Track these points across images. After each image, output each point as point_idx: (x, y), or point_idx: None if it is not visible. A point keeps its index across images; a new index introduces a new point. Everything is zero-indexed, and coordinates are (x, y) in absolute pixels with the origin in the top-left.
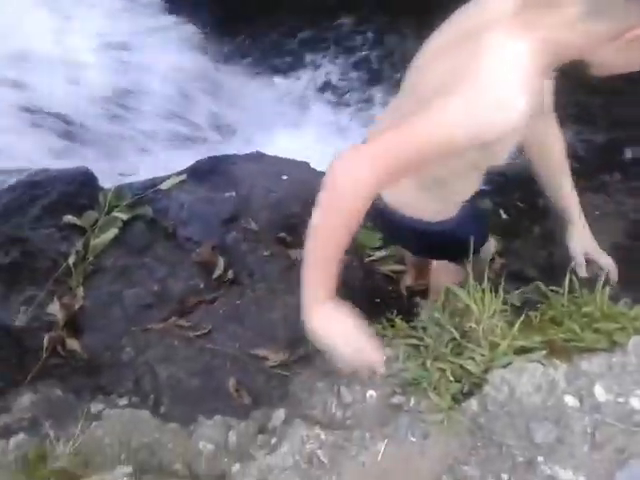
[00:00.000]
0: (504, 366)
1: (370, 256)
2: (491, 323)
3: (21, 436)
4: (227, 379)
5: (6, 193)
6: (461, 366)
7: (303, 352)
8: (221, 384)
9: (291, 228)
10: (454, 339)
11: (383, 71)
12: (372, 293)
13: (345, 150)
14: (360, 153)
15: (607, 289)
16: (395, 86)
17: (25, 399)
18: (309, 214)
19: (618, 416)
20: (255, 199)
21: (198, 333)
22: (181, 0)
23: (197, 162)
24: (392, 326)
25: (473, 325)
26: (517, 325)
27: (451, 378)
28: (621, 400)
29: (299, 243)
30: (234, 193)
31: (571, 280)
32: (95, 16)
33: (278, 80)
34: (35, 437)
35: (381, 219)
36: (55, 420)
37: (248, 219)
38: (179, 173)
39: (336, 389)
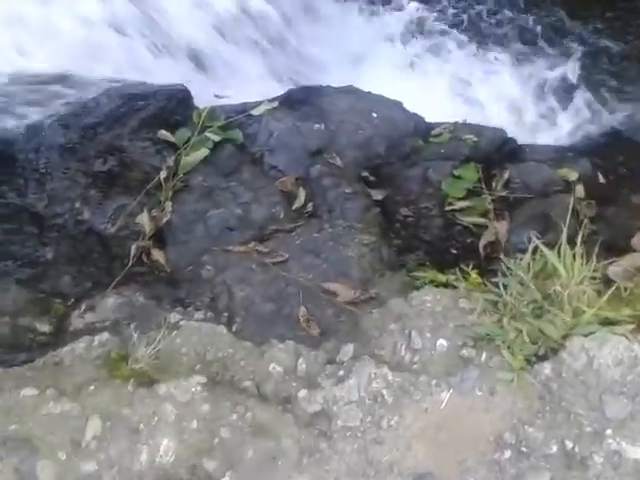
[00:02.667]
0: (586, 335)
1: (451, 205)
2: (578, 289)
3: (105, 335)
4: (298, 308)
5: (107, 102)
6: (540, 328)
7: (374, 293)
8: (292, 312)
9: (375, 168)
10: (536, 300)
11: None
12: (449, 243)
13: None
14: None
15: None
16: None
17: (110, 301)
18: (394, 156)
19: None
20: (343, 135)
21: (275, 260)
22: None
23: (290, 91)
24: (465, 279)
25: (558, 289)
26: (606, 295)
27: (527, 339)
28: None
29: (381, 184)
30: (323, 126)
31: None
32: None
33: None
34: (118, 337)
35: None
36: (136, 324)
37: (333, 154)
38: (271, 100)
39: (407, 332)
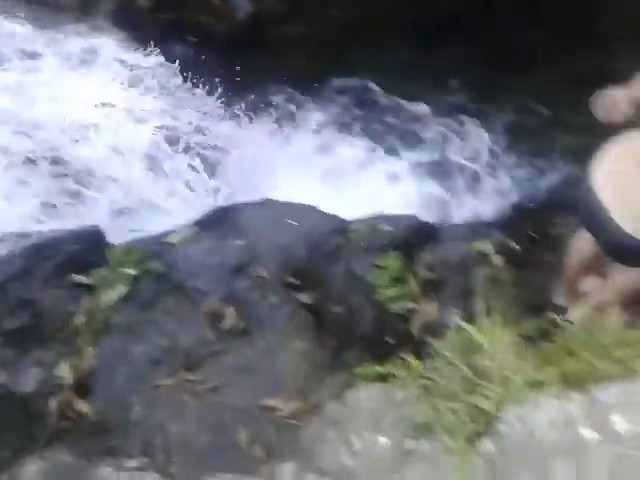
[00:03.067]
0: (518, 402)
1: (380, 295)
2: (503, 358)
3: None
4: (238, 433)
5: (17, 258)
6: (474, 405)
7: (315, 401)
8: (233, 439)
9: (299, 272)
10: (466, 377)
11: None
12: (384, 333)
13: None
14: None
15: (619, 316)
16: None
17: (33, 468)
18: (317, 257)
19: (638, 446)
20: (263, 246)
21: (208, 387)
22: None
23: (205, 214)
24: (405, 366)
25: (485, 361)
26: (530, 358)
27: (464, 418)
28: None
29: (307, 287)
30: (243, 241)
31: (581, 309)
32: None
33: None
34: None
35: None
36: None
37: (256, 267)
38: (187, 225)
39: (346, 437)
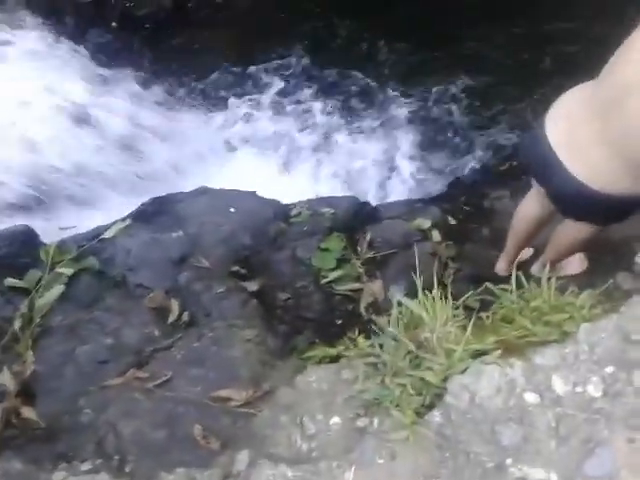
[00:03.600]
0: (462, 372)
1: (325, 277)
2: (445, 330)
3: None
4: (192, 426)
5: None
6: (420, 378)
7: (267, 387)
8: (187, 432)
9: (244, 260)
10: (411, 351)
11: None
12: (332, 315)
13: None
14: None
15: (553, 281)
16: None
17: None
18: (260, 244)
19: (578, 406)
20: (204, 236)
21: (158, 382)
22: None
23: (141, 205)
24: (355, 346)
25: (427, 334)
26: (469, 329)
27: (412, 392)
28: (579, 390)
29: (253, 274)
30: (182, 232)
31: (518, 277)
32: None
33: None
34: None
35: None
36: None
37: (199, 257)
38: (123, 219)
39: (299, 421)
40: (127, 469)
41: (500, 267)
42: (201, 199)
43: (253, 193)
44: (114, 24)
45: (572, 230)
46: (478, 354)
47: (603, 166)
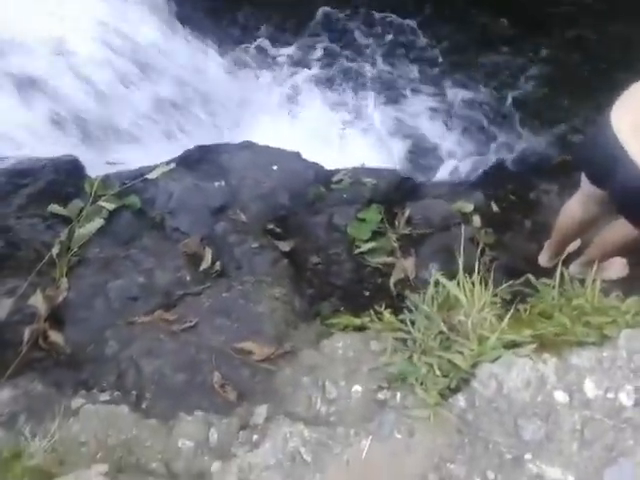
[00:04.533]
0: (493, 360)
1: (359, 248)
2: (480, 316)
3: None
4: (212, 374)
5: None
6: (449, 360)
7: (289, 347)
8: (206, 379)
9: (280, 220)
10: (442, 332)
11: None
12: (361, 285)
13: None
14: None
15: (598, 282)
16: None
17: (4, 394)
18: (298, 205)
19: (607, 412)
20: (244, 190)
21: (184, 326)
22: None
23: (186, 151)
24: (380, 319)
25: (462, 318)
26: (506, 319)
27: (438, 373)
28: (610, 396)
29: (287, 235)
30: (223, 183)
31: (562, 273)
32: None
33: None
34: (12, 433)
35: None
36: (34, 416)
37: (237, 210)
38: (168, 162)
39: (321, 383)
40: (144, 405)
41: (543, 258)
42: (245, 153)
43: (297, 154)
44: None
45: (622, 230)
46: (512, 345)
47: None
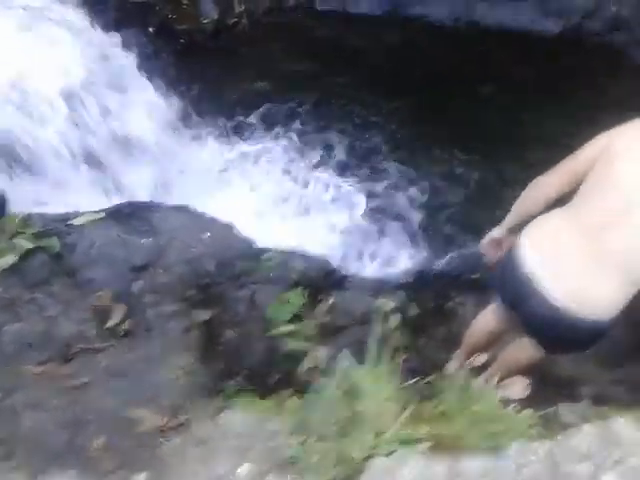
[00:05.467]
0: (387, 454)
1: (276, 329)
2: (381, 409)
3: None
4: (95, 437)
5: None
6: (344, 450)
7: (183, 419)
8: (87, 441)
9: (202, 288)
10: (342, 420)
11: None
12: (271, 368)
13: None
14: None
15: (497, 391)
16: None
17: None
18: (223, 277)
19: None
20: (171, 251)
21: (76, 383)
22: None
23: (118, 204)
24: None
25: (363, 408)
26: (406, 413)
27: (331, 461)
28: None
29: (207, 304)
30: (151, 240)
31: (467, 377)
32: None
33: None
34: None
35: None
36: None
37: (160, 270)
38: (97, 211)
39: (209, 457)
40: (14, 462)
41: (450, 368)
42: (179, 215)
43: (231, 225)
44: (152, 30)
45: (527, 351)
46: (408, 441)
47: (595, 291)
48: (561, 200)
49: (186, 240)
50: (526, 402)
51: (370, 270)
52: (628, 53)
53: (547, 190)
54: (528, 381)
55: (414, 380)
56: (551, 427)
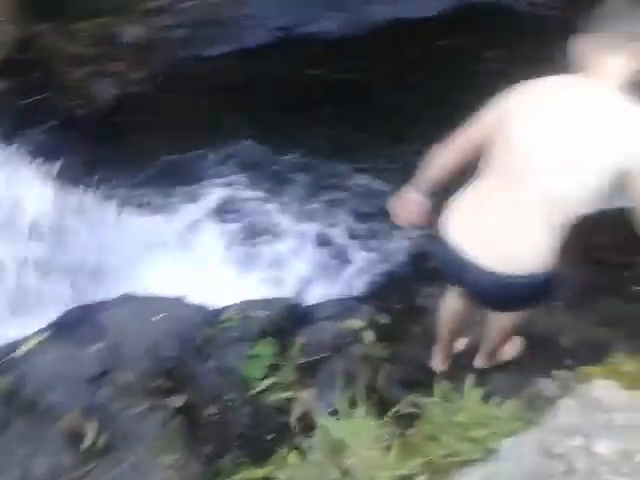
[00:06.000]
0: None
1: (255, 388)
2: (369, 455)
3: None
4: None
5: None
6: None
7: None
8: None
9: (168, 373)
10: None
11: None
12: (261, 429)
13: None
14: None
15: (477, 392)
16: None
17: None
18: (187, 354)
19: None
20: (126, 348)
21: None
22: None
23: (60, 316)
24: (286, 465)
25: (351, 460)
26: (393, 452)
27: None
28: None
29: (178, 388)
30: (102, 344)
31: (442, 388)
32: None
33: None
34: None
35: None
36: None
37: (119, 372)
38: (41, 331)
39: None
40: None
41: (436, 363)
42: (125, 307)
43: (179, 299)
44: (53, 123)
45: (501, 319)
46: (403, 479)
47: (520, 249)
48: (474, 168)
49: (138, 331)
50: (515, 375)
51: (331, 294)
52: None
53: (446, 156)
54: (521, 339)
55: (394, 409)
56: (535, 406)
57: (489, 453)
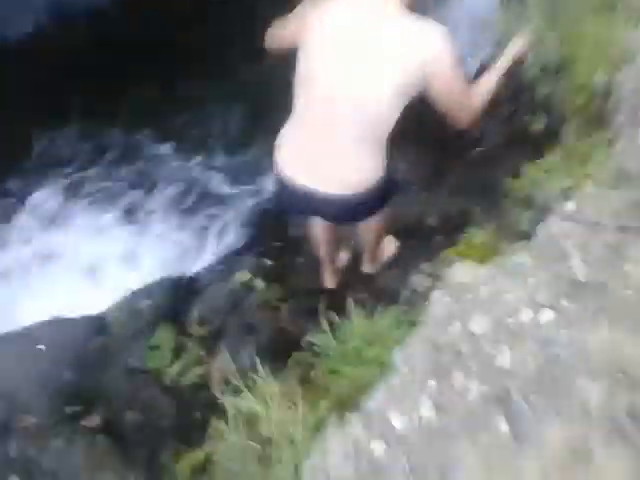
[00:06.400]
0: (309, 454)
1: (168, 376)
2: (281, 417)
3: None
4: None
5: None
6: (276, 477)
7: None
8: None
9: (74, 397)
10: (256, 450)
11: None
12: (189, 412)
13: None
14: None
15: (360, 312)
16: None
17: None
18: (86, 369)
19: (420, 435)
20: (20, 389)
21: None
22: None
23: None
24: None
25: (268, 429)
26: (300, 407)
27: None
28: (415, 416)
29: (90, 407)
30: None
31: (331, 319)
32: None
33: None
34: None
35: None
36: None
37: (22, 417)
38: None
39: None
40: None
41: (327, 282)
42: (5, 349)
43: (60, 318)
44: None
45: (366, 226)
46: (319, 425)
47: (345, 167)
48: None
49: (26, 367)
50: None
51: (211, 256)
52: None
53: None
54: (394, 239)
55: (292, 359)
56: (415, 301)
57: (386, 368)
